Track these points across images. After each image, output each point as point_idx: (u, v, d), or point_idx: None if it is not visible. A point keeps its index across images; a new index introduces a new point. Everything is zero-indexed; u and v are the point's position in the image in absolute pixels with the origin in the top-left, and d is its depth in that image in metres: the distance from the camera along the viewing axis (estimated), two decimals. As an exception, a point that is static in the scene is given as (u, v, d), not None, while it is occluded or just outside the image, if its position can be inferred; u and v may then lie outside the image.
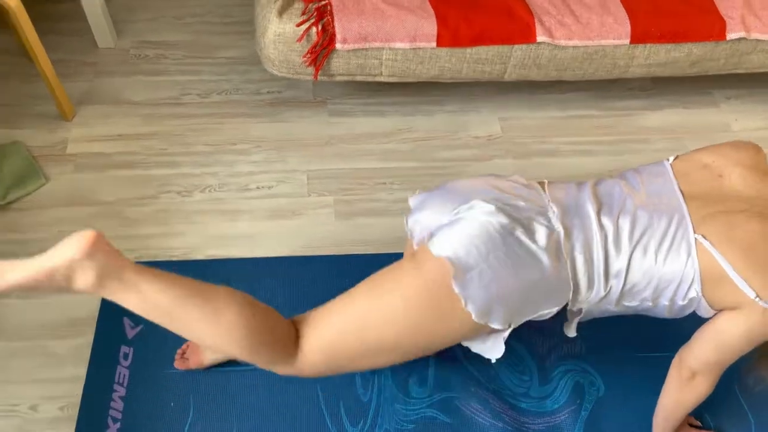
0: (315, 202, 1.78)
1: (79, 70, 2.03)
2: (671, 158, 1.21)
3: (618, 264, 1.11)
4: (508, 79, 1.80)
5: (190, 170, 1.83)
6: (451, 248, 1.07)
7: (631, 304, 1.16)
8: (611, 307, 1.17)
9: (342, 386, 1.47)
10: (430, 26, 1.65)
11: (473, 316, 1.07)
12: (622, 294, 1.14)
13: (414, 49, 1.68)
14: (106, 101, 1.96)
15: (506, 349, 1.52)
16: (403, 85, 2.04)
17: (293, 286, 1.61)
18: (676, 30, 1.73)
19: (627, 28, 1.71)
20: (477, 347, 1.20)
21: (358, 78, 1.76)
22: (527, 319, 1.14)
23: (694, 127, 2.03)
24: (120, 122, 1.91)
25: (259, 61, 2.07)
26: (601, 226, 1.12)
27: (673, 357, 1.27)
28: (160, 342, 1.49)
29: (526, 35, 1.68)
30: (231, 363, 1.47)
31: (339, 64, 1.71)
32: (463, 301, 1.06)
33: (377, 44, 1.65)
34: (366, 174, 1.85)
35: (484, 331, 1.14)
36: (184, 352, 1.47)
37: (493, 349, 1.17)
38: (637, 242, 1.10)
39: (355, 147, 1.91)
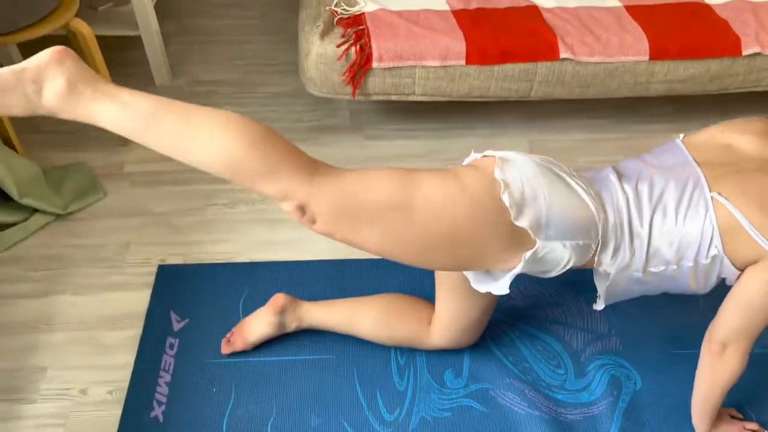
0: (352, 213, 1.87)
1: (137, 104, 2.22)
2: (681, 135, 1.28)
3: (640, 225, 1.16)
4: (534, 96, 1.91)
5: (235, 186, 1.95)
6: (496, 153, 1.15)
7: (657, 269, 1.18)
8: (638, 275, 1.20)
9: (379, 375, 1.50)
10: (460, 45, 1.79)
11: (507, 202, 1.06)
12: (647, 258, 1.17)
13: (445, 67, 1.81)
14: (160, 129, 2.13)
15: (540, 344, 1.57)
16: (434, 111, 2.17)
17: (334, 287, 1.67)
18: (693, 46, 1.84)
19: (645, 45, 1.82)
20: (486, 285, 1.20)
21: (393, 97, 1.90)
22: (554, 243, 1.12)
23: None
24: (173, 146, 2.07)
25: (301, 95, 2.24)
26: (623, 191, 1.17)
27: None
28: (205, 334, 1.56)
29: (550, 52, 1.80)
30: (274, 352, 1.53)
31: (375, 83, 1.85)
32: (501, 185, 1.07)
33: (410, 62, 1.79)
34: (401, 188, 1.95)
35: (504, 252, 1.12)
36: (229, 339, 1.54)
37: (500, 287, 1.17)
38: (657, 203, 1.16)
39: (394, 163, 2.02)
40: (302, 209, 1.02)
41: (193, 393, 1.46)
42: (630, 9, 1.92)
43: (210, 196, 1.92)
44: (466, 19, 1.86)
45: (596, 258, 1.18)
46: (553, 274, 1.19)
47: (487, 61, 1.80)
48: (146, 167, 2.00)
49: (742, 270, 1.17)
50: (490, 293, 1.22)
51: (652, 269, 1.19)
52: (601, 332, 1.60)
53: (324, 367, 1.52)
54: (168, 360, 1.52)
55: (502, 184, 1.08)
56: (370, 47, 1.77)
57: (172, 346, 1.55)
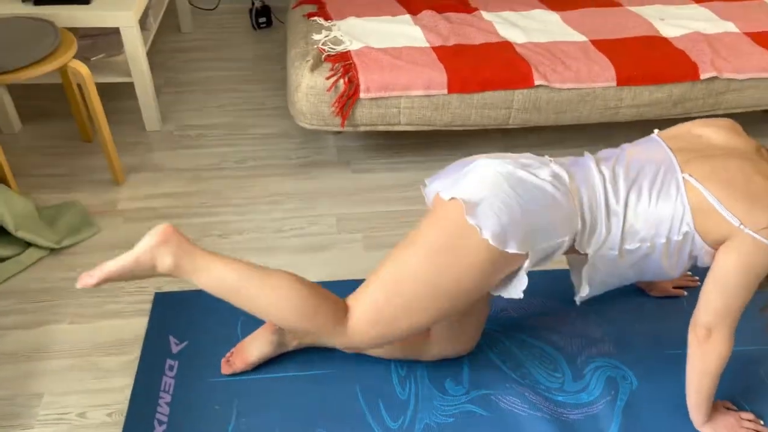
0: (345, 238, 1.92)
1: (128, 148, 2.28)
2: (656, 131, 1.39)
3: (616, 203, 1.25)
4: (513, 124, 2.02)
5: (228, 218, 1.99)
6: (459, 191, 1.22)
7: (632, 246, 1.26)
8: (614, 253, 1.27)
9: (380, 386, 1.51)
10: (441, 76, 1.91)
11: (490, 240, 1.16)
12: (623, 236, 1.25)
13: (428, 96, 1.92)
14: (152, 170, 2.18)
15: (536, 351, 1.60)
16: (416, 146, 2.27)
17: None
18: (656, 72, 1.99)
19: (612, 72, 1.97)
20: (505, 292, 1.28)
21: (380, 127, 1.99)
22: (543, 245, 1.22)
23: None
24: (164, 184, 2.12)
25: (289, 135, 2.33)
26: (600, 172, 1.27)
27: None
28: (204, 355, 1.56)
29: (525, 80, 1.93)
30: (275, 369, 1.53)
31: (363, 114, 1.94)
32: (478, 230, 1.17)
33: (396, 93, 1.90)
34: (391, 215, 2.01)
35: (506, 268, 1.23)
36: (229, 359, 1.54)
37: (517, 286, 1.25)
38: (632, 183, 1.25)
39: (379, 195, 2.09)
40: (346, 350, 1.40)
41: (194, 411, 1.45)
42: (595, 42, 2.08)
43: (203, 228, 1.95)
44: (445, 53, 1.99)
45: (577, 239, 1.25)
46: (554, 258, 1.28)
47: (468, 90, 1.92)
48: (139, 204, 2.04)
49: (713, 248, 1.24)
50: (483, 298, 1.37)
51: (627, 246, 1.27)
52: (593, 337, 1.64)
53: (325, 382, 1.52)
54: (168, 381, 1.51)
55: (478, 228, 1.18)
56: (358, 79, 1.88)
57: (171, 367, 1.54)
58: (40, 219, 1.86)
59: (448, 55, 1.98)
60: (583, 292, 1.35)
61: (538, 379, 1.54)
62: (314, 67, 1.91)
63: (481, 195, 1.20)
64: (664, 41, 2.11)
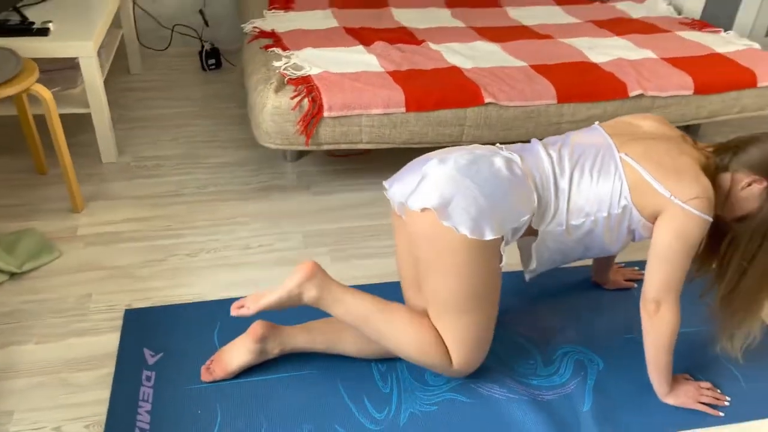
0: (313, 252, 1.96)
1: (85, 179, 2.25)
2: (596, 122, 1.55)
3: (563, 182, 1.38)
4: (466, 140, 2.15)
5: (194, 239, 2.00)
6: (426, 199, 1.33)
7: (577, 222, 1.39)
8: (561, 229, 1.40)
9: (362, 382, 1.53)
10: (399, 95, 2.03)
11: (468, 235, 1.29)
12: (569, 211, 1.39)
13: (387, 114, 2.03)
14: (111, 198, 2.17)
15: (508, 342, 1.68)
16: (373, 169, 2.37)
17: (309, 315, 1.72)
18: (590, 91, 2.19)
19: (552, 91, 2.15)
20: None
21: (343, 146, 2.08)
22: (514, 226, 1.35)
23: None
24: (125, 210, 2.10)
25: (245, 163, 2.39)
26: (548, 154, 1.41)
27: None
28: (182, 364, 1.55)
29: (476, 99, 2.08)
30: (255, 372, 1.53)
31: (326, 132, 2.02)
32: (455, 229, 1.29)
33: (357, 111, 2.00)
34: (356, 230, 2.07)
35: (495, 250, 1.34)
36: (209, 366, 1.52)
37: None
38: (576, 164, 1.40)
39: (342, 213, 2.15)
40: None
41: (177, 417, 1.42)
42: (534, 67, 2.27)
43: (170, 249, 1.95)
44: (400, 77, 2.12)
45: (535, 215, 1.38)
46: (520, 234, 1.41)
47: (424, 108, 2.05)
48: (100, 229, 2.01)
49: (649, 221, 1.39)
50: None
51: (573, 222, 1.40)
52: (558, 328, 1.74)
53: (308, 382, 1.53)
54: (146, 391, 1.48)
55: (454, 228, 1.30)
56: (321, 98, 1.97)
57: (148, 378, 1.51)
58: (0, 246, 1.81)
59: (403, 78, 2.11)
60: (532, 266, 1.46)
61: (512, 366, 1.61)
62: (278, 89, 1.99)
63: (448, 196, 1.31)
64: (595, 65, 2.33)
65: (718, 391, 1.57)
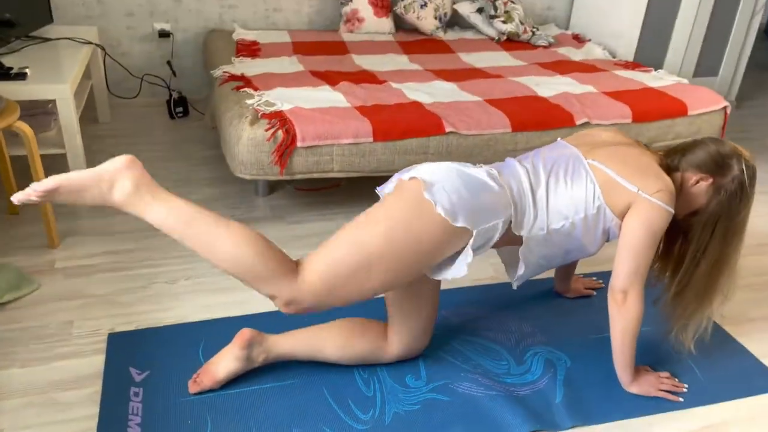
0: (290, 275, 2.04)
1: (59, 218, 2.28)
2: (559, 138, 1.71)
3: (540, 190, 1.51)
4: (430, 168, 2.30)
5: (173, 268, 2.05)
6: (418, 172, 1.44)
7: (557, 225, 1.51)
8: (543, 233, 1.52)
9: (346, 387, 1.60)
10: (367, 126, 2.18)
11: (443, 214, 1.37)
12: (548, 216, 1.51)
13: (356, 144, 2.17)
14: (87, 234, 2.20)
15: (480, 347, 1.78)
16: (344, 198, 2.49)
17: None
18: (541, 120, 2.38)
19: (507, 121, 2.34)
20: (451, 272, 1.45)
21: (315, 175, 2.19)
22: (485, 225, 1.43)
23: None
24: (102, 245, 2.14)
25: (219, 198, 2.49)
26: (523, 166, 1.55)
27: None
28: (169, 380, 1.58)
29: (438, 128, 2.24)
30: (241, 383, 1.57)
31: (299, 162, 2.14)
32: (433, 204, 1.38)
33: (329, 141, 2.13)
34: (329, 254, 2.16)
35: (453, 243, 1.41)
36: (195, 379, 1.56)
37: (462, 263, 1.43)
38: (550, 172, 1.53)
39: (317, 239, 2.24)
40: (288, 305, 1.36)
41: (168, 428, 1.45)
42: (488, 101, 2.47)
43: (149, 277, 1.99)
44: (366, 110, 2.27)
45: (513, 222, 1.49)
46: (492, 242, 1.48)
47: (390, 137, 2.19)
48: (78, 262, 2.04)
49: (620, 218, 1.53)
50: (433, 294, 1.59)
51: (553, 226, 1.52)
52: (526, 332, 1.85)
53: (294, 390, 1.59)
54: (135, 405, 1.51)
55: (433, 203, 1.40)
56: (294, 129, 2.10)
57: (136, 394, 1.54)
58: (-24, 278, 1.82)
59: (369, 112, 2.27)
60: (520, 271, 1.57)
61: (486, 367, 1.70)
62: (253, 122, 2.11)
63: (436, 178, 1.43)
64: (543, 99, 2.54)
65: (677, 380, 1.70)
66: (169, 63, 3.30)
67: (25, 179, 2.07)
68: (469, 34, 3.60)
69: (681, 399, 1.64)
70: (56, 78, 2.24)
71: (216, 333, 1.75)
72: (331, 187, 2.60)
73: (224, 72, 2.65)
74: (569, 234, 1.54)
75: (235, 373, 1.58)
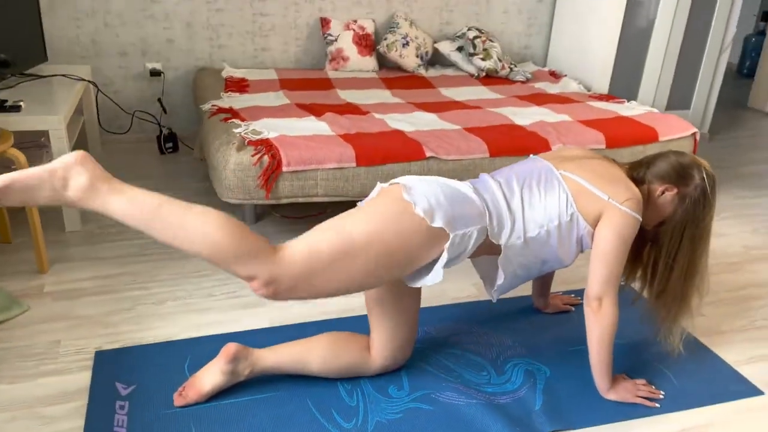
0: (276, 296, 2.08)
1: (49, 246, 2.33)
2: (531, 155, 1.79)
3: (514, 200, 1.58)
4: (412, 192, 2.37)
5: (159, 290, 2.09)
6: (400, 180, 1.52)
7: (534, 233, 1.57)
8: (520, 242, 1.57)
9: (330, 398, 1.62)
10: (350, 152, 2.26)
11: (421, 214, 1.43)
12: (525, 224, 1.57)
13: (340, 168, 2.24)
14: (76, 260, 2.25)
15: (462, 359, 1.82)
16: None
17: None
18: (518, 146, 2.48)
19: (485, 147, 2.43)
20: (428, 278, 1.49)
21: (300, 199, 2.26)
22: (461, 231, 1.48)
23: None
24: (90, 270, 2.18)
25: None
26: (496, 181, 1.62)
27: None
28: (154, 393, 1.60)
29: (419, 154, 2.33)
30: (226, 396, 1.60)
31: (284, 187, 2.21)
32: (413, 204, 1.44)
33: (313, 166, 2.21)
34: (314, 276, 2.21)
35: (430, 245, 1.46)
36: (181, 392, 1.59)
37: (438, 268, 1.48)
38: (523, 184, 1.61)
39: (301, 263, 2.29)
40: (267, 286, 1.32)
41: (152, 438, 1.47)
42: (467, 129, 2.57)
43: (136, 299, 2.03)
44: (350, 138, 2.36)
45: (489, 232, 1.55)
46: (468, 252, 1.53)
47: (373, 162, 2.27)
48: (67, 286, 2.08)
49: (592, 227, 1.60)
50: (414, 306, 1.64)
51: (530, 234, 1.58)
52: (506, 345, 1.89)
53: (278, 401, 1.61)
54: (120, 418, 1.52)
55: (412, 203, 1.46)
56: (280, 155, 2.17)
57: (122, 407, 1.56)
58: (-35, 301, 1.85)
59: (353, 139, 2.35)
60: (499, 280, 1.62)
61: (468, 378, 1.73)
62: (240, 149, 2.19)
63: (416, 184, 1.50)
64: (520, 127, 2.64)
65: (653, 386, 1.74)
66: (159, 100, 3.40)
67: (16, 209, 2.13)
68: (449, 71, 3.74)
69: (658, 405, 1.67)
70: (50, 110, 2.32)
71: (202, 349, 1.78)
72: (316, 215, 2.66)
73: (213, 105, 2.74)
74: (545, 242, 1.60)
75: (221, 387, 1.61)
